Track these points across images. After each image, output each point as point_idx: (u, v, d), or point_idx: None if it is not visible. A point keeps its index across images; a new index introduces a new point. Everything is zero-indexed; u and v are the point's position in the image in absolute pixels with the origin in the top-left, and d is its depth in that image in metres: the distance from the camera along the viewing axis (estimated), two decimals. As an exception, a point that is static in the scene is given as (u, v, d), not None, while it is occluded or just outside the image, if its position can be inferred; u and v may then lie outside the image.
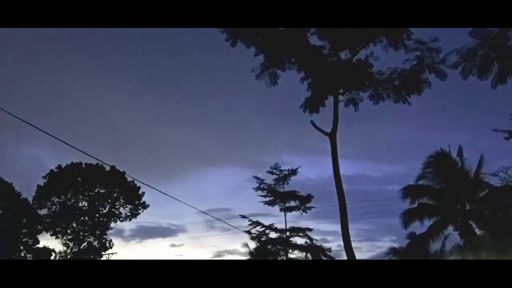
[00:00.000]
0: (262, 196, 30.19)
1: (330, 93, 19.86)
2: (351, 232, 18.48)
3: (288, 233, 29.44)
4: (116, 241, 42.84)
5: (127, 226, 45.21)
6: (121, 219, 41.92)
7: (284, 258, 28.55)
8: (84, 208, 40.76)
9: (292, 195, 29.95)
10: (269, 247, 29.21)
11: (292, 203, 29.92)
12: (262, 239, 29.47)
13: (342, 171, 19.37)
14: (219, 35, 18.23)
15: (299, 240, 29.34)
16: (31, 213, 38.85)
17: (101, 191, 41.35)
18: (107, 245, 40.74)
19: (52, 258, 38.94)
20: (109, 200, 41.53)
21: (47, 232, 39.66)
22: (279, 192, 30.14)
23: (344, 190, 18.97)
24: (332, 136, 19.56)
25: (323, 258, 28.27)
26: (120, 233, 46.01)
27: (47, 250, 39.17)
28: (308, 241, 29.16)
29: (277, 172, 30.15)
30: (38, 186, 40.43)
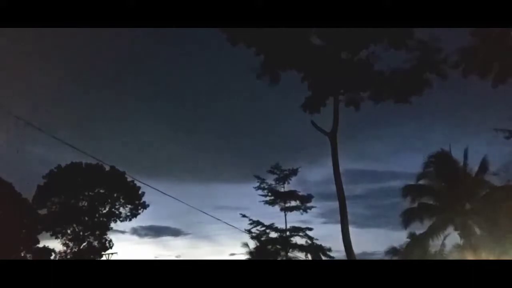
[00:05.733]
0: (262, 195, 30.31)
1: (330, 93, 19.87)
2: (351, 231, 18.53)
3: (288, 233, 29.48)
4: (118, 241, 42.84)
5: (128, 226, 45.14)
6: (121, 219, 41.96)
7: (284, 258, 28.58)
8: (84, 208, 40.78)
9: (293, 194, 30.02)
10: (269, 247, 29.25)
11: (293, 203, 29.99)
12: (262, 239, 29.52)
13: (342, 171, 19.41)
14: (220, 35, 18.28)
15: (299, 240, 29.42)
16: (31, 213, 38.87)
17: (101, 191, 41.37)
18: (107, 245, 40.76)
19: (52, 258, 38.96)
20: (109, 200, 41.56)
21: (47, 232, 39.69)
22: (280, 191, 30.21)
23: (344, 189, 19.01)
24: (332, 136, 19.59)
25: (323, 258, 28.31)
26: (121, 233, 45.97)
27: (47, 250, 39.20)
28: (308, 241, 29.22)
29: (278, 172, 30.22)
30: (38, 186, 40.45)
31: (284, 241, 29.24)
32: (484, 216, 20.84)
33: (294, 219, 30.09)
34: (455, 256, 20.72)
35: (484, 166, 22.27)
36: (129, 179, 40.62)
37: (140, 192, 41.66)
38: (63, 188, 40.29)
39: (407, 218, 22.28)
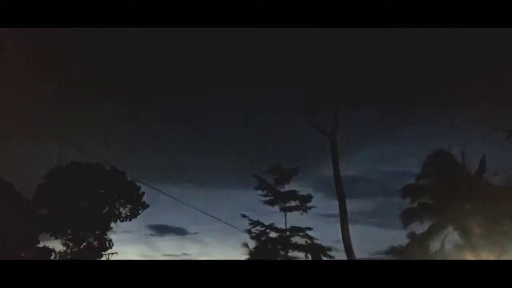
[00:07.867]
0: (262, 195, 30.27)
1: (330, 94, 19.90)
2: (351, 231, 18.53)
3: (288, 233, 29.46)
4: (118, 241, 42.77)
5: (128, 225, 45.05)
6: (121, 219, 41.89)
7: (284, 258, 28.55)
8: (84, 208, 40.71)
9: (293, 194, 29.97)
10: (269, 247, 29.23)
11: (293, 203, 29.95)
12: (262, 239, 29.49)
13: (342, 171, 19.43)
14: (212, 34, 18.29)
15: (299, 240, 29.36)
16: (31, 213, 38.80)
17: (101, 191, 41.31)
18: (107, 245, 40.72)
19: (52, 258, 38.90)
20: (109, 200, 41.49)
21: (47, 232, 39.62)
22: (280, 191, 30.17)
23: (344, 189, 19.02)
24: (332, 136, 19.60)
25: (323, 258, 28.27)
26: (121, 233, 45.89)
27: (47, 250, 39.15)
28: (308, 241, 29.18)
29: (278, 172, 30.16)
30: (38, 186, 40.40)
31: (284, 241, 29.20)
32: (484, 216, 20.83)
33: (294, 219, 30.05)
34: (455, 256, 20.70)
35: (484, 166, 22.25)
36: (129, 179, 40.63)
37: (140, 192, 41.63)
38: (63, 188, 40.22)
39: (407, 218, 22.24)
